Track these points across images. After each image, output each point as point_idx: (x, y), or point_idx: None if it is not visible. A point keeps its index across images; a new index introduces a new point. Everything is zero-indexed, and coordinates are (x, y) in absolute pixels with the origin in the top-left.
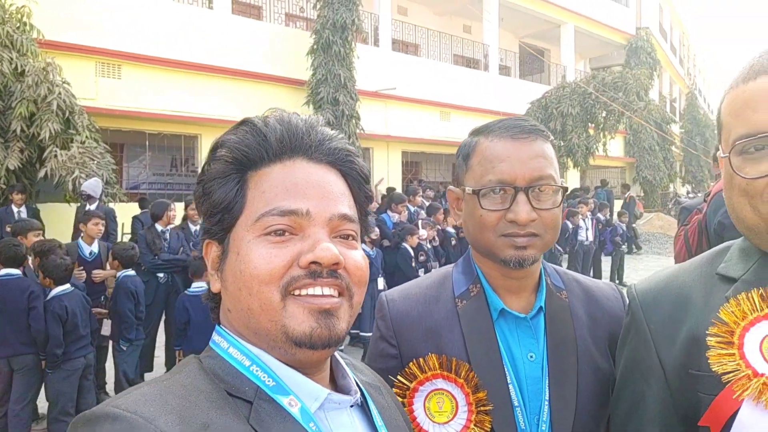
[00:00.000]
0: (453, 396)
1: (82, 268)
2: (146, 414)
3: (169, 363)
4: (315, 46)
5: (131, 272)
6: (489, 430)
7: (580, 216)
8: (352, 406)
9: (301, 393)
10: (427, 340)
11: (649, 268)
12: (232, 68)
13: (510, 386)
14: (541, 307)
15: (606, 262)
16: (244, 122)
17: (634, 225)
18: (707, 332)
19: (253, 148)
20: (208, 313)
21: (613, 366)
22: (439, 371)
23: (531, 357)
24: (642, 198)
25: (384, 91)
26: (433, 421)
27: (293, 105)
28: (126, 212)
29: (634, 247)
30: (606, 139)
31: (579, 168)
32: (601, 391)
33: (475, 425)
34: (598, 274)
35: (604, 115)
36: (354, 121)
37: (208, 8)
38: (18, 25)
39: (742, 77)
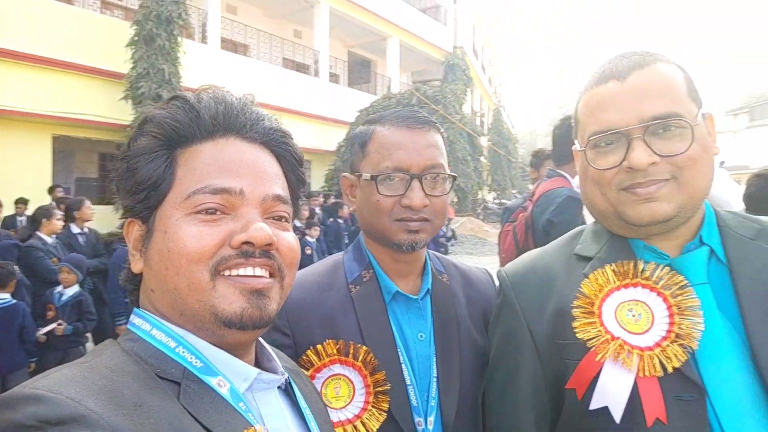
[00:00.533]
0: (350, 380)
1: None
2: (72, 394)
3: None
4: (136, 38)
5: None
6: (386, 410)
7: None
8: (279, 387)
9: (230, 373)
10: (323, 326)
11: None
12: (34, 55)
13: (403, 365)
14: (428, 290)
15: None
16: (176, 98)
17: (452, 227)
18: (571, 305)
19: (185, 124)
20: (11, 329)
21: (487, 340)
22: (336, 356)
23: (421, 337)
24: (455, 204)
25: None
26: (331, 407)
27: (108, 99)
28: None
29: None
30: None
31: None
32: (480, 365)
33: (372, 406)
34: None
35: None
36: None
37: None
38: None
39: (596, 80)
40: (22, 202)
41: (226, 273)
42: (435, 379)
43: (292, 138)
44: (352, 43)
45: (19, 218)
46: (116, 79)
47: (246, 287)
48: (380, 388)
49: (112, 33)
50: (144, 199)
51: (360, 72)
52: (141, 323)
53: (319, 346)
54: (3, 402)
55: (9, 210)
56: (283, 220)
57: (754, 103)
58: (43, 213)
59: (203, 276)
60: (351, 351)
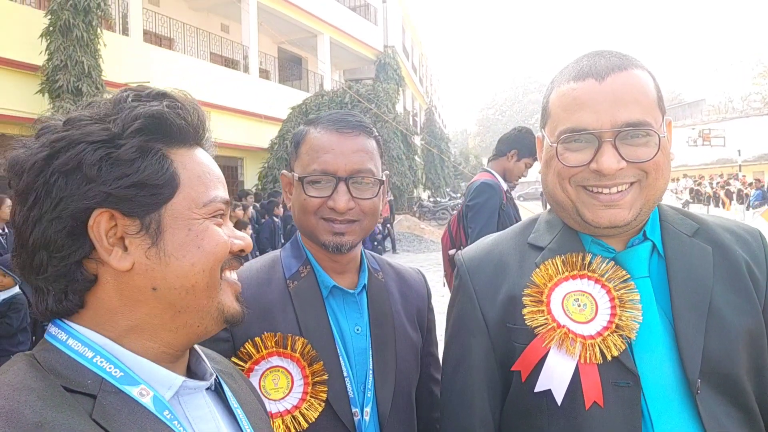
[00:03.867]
0: (288, 372)
1: None
2: None
3: None
4: (51, 28)
5: None
6: (324, 400)
7: None
8: (208, 389)
9: (153, 382)
10: (261, 320)
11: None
12: None
13: (341, 358)
14: (364, 285)
15: None
16: (165, 95)
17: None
18: (522, 293)
19: (178, 126)
20: None
21: (420, 336)
22: (274, 349)
23: (357, 330)
24: (392, 202)
25: (135, 84)
26: (269, 399)
27: (24, 92)
28: None
29: (392, 247)
30: None
31: None
32: (413, 358)
33: (311, 397)
34: None
35: None
36: None
37: None
38: None
39: (573, 75)
40: None
41: (226, 274)
42: (371, 372)
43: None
44: (281, 39)
45: None
46: (30, 71)
47: (237, 289)
48: (318, 378)
49: (25, 22)
50: (151, 195)
51: (291, 69)
52: (57, 332)
53: (257, 339)
54: None
55: None
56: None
57: (667, 105)
58: None
59: (217, 275)
60: (289, 343)
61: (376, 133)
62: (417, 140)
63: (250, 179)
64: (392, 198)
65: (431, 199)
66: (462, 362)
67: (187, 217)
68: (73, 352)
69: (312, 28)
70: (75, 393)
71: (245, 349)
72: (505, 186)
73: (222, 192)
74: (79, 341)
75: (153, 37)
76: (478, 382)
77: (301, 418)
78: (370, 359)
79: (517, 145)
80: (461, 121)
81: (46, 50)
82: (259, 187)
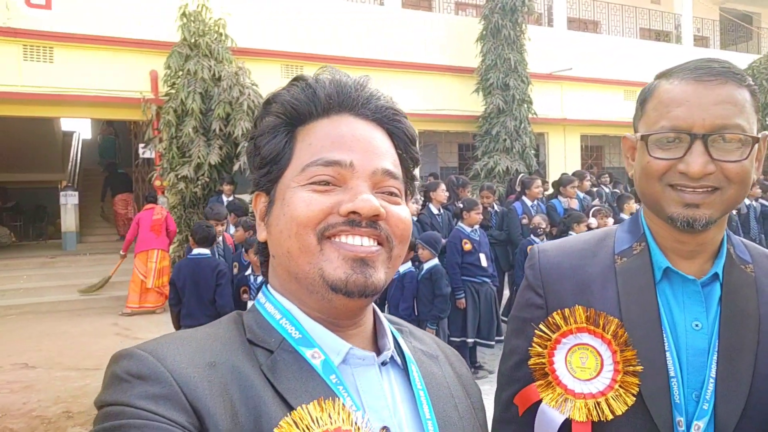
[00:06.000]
0: (598, 353)
1: None
2: (159, 354)
3: None
4: (484, 32)
5: None
6: (635, 394)
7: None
8: (384, 364)
9: (325, 346)
10: (577, 294)
11: None
12: (400, 61)
13: (667, 353)
14: (716, 274)
15: None
16: (297, 79)
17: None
18: None
19: (303, 102)
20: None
21: None
22: (585, 324)
23: (696, 326)
24: None
25: (559, 73)
26: (575, 377)
27: (463, 92)
28: None
29: None
30: None
31: None
32: None
33: (620, 386)
34: None
35: None
36: (526, 105)
37: (379, 4)
38: (215, 36)
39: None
40: None
41: (334, 239)
42: (712, 380)
43: (405, 117)
44: None
45: None
46: (469, 74)
47: (350, 255)
48: (631, 368)
49: (465, 31)
50: (267, 173)
51: (736, 30)
52: (260, 297)
53: (566, 311)
54: (114, 357)
55: None
56: (394, 195)
57: None
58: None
59: (311, 239)
60: (601, 322)
61: (750, 82)
62: None
63: None
64: None
65: None
66: None
67: (286, 187)
68: (266, 314)
69: None
70: (256, 346)
71: (553, 319)
72: None
73: (336, 154)
74: (272, 305)
75: (578, 24)
76: None
77: (605, 407)
78: (712, 364)
79: None
80: None
81: (480, 53)
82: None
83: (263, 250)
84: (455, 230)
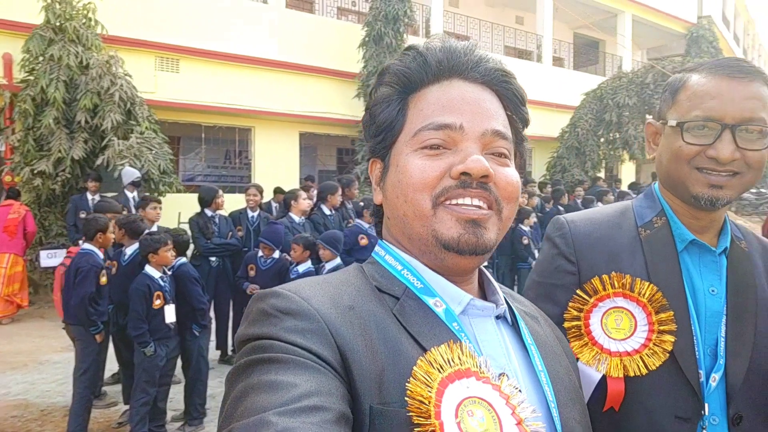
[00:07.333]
0: (633, 315)
1: None
2: (303, 294)
3: (222, 347)
4: (366, 39)
5: (184, 259)
6: (668, 351)
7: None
8: (498, 318)
9: (446, 296)
10: (608, 262)
11: None
12: (284, 61)
13: (690, 315)
14: (725, 248)
15: None
16: (409, 48)
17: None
18: None
19: (414, 70)
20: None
21: None
22: (621, 290)
23: (713, 291)
24: None
25: None
26: (610, 337)
27: (344, 97)
28: (182, 203)
29: None
30: None
31: (635, 161)
32: None
33: (654, 345)
34: None
35: None
36: None
37: (262, 2)
38: (84, 21)
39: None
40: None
41: (447, 203)
42: (722, 339)
43: (514, 77)
44: (577, 24)
45: (274, 204)
46: (350, 79)
47: (462, 216)
48: (665, 328)
49: (348, 36)
50: (382, 140)
51: (587, 53)
52: (379, 250)
53: (605, 276)
54: (258, 296)
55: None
56: (503, 156)
57: None
58: (291, 196)
59: (426, 204)
60: (637, 287)
61: None
62: None
63: (538, 169)
64: None
65: (754, 190)
66: None
67: (399, 153)
68: (388, 265)
69: (612, 7)
70: (384, 293)
71: (592, 284)
72: None
73: (446, 117)
74: (392, 257)
75: (453, 37)
76: None
77: (641, 363)
78: (723, 325)
79: None
80: None
81: (362, 59)
82: (547, 177)
83: (377, 211)
84: (354, 225)
